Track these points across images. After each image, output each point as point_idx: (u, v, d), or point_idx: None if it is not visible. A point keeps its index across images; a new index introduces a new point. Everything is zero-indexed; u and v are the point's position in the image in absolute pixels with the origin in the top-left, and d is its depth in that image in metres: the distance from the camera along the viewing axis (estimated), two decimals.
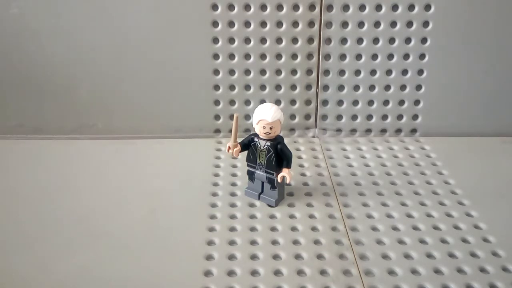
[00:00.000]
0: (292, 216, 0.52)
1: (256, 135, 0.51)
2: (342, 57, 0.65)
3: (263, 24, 0.63)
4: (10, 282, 0.43)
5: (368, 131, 0.69)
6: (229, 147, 0.51)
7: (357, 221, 0.51)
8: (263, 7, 0.63)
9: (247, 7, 0.63)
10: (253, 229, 0.50)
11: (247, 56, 0.65)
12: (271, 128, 0.50)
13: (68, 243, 0.48)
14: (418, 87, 0.67)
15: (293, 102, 0.68)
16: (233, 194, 0.55)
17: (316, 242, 0.48)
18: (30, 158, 0.63)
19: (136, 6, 0.62)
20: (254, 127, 0.51)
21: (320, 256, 0.46)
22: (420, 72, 0.66)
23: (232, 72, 0.66)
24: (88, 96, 0.67)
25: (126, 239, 0.48)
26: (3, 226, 0.50)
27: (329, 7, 0.63)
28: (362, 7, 0.63)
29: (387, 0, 0.62)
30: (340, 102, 0.67)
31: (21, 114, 0.67)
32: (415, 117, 0.68)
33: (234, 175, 0.59)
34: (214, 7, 0.62)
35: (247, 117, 0.68)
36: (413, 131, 0.69)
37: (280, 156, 0.51)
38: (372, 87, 0.67)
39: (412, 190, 0.56)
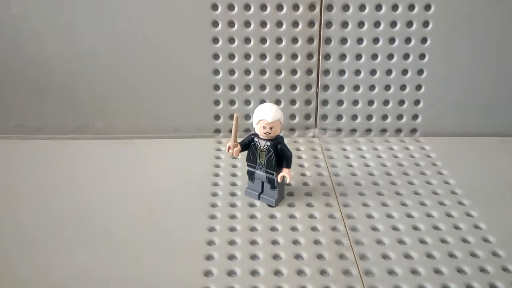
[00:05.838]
0: (292, 216, 0.52)
1: (256, 135, 0.51)
2: (342, 57, 0.65)
3: (263, 24, 0.63)
4: (10, 282, 0.43)
5: (368, 131, 0.69)
6: (229, 147, 0.51)
7: (357, 221, 0.51)
8: (263, 7, 0.63)
9: (247, 7, 0.63)
10: (253, 229, 0.50)
11: (247, 56, 0.65)
12: (271, 128, 0.50)
13: (68, 243, 0.47)
14: (418, 87, 0.67)
15: (293, 102, 0.68)
16: (233, 194, 0.55)
17: (316, 242, 0.48)
18: (30, 158, 0.63)
19: (136, 6, 0.62)
20: (254, 127, 0.51)
21: (320, 256, 0.46)
22: (420, 72, 0.66)
23: (232, 72, 0.66)
24: (88, 96, 0.67)
25: (126, 239, 0.48)
26: (3, 226, 0.50)
27: (329, 7, 0.63)
28: (362, 7, 0.63)
29: (387, 0, 0.62)
30: (340, 102, 0.67)
31: (21, 114, 0.67)
32: (415, 117, 0.68)
33: (234, 175, 0.59)
34: (214, 7, 0.62)
35: (247, 117, 0.68)
36: (413, 131, 0.69)
37: (280, 156, 0.51)
38: (372, 87, 0.67)
39: (412, 190, 0.56)
